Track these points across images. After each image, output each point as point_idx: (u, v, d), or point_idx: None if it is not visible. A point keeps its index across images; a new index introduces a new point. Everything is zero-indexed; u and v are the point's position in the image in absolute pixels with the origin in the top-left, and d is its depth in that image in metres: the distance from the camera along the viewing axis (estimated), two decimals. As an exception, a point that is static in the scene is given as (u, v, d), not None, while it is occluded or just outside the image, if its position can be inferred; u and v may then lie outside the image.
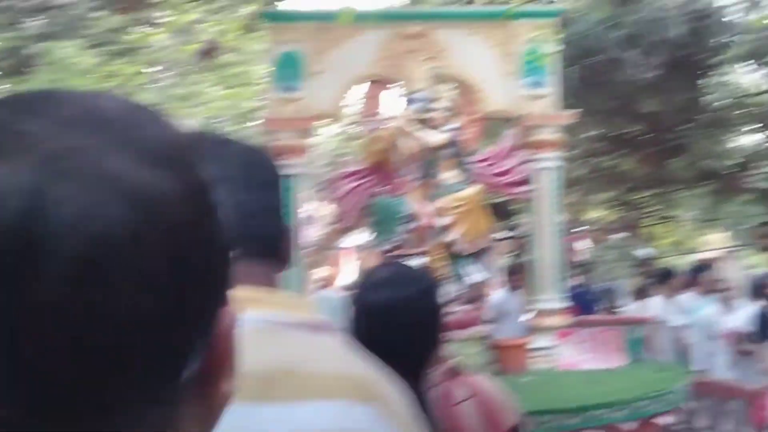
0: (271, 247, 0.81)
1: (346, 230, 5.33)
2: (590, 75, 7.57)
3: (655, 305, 5.82)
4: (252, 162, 0.84)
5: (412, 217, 4.83)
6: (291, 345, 0.73)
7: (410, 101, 5.07)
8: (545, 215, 5.35)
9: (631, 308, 6.15)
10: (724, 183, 7.53)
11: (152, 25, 6.39)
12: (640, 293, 6.20)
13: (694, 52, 6.63)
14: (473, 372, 1.58)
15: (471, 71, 5.58)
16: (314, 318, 0.79)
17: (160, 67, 7.56)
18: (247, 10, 7.31)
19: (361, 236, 5.77)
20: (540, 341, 5.13)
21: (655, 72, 6.58)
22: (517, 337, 5.22)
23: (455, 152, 5.04)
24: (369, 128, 5.32)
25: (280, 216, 0.85)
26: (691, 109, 7.37)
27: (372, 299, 1.30)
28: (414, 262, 4.25)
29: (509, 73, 5.60)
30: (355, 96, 5.95)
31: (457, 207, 4.87)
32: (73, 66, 6.13)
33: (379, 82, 5.61)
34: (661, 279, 6.05)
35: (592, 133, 8.75)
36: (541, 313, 5.29)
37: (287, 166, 5.33)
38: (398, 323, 1.25)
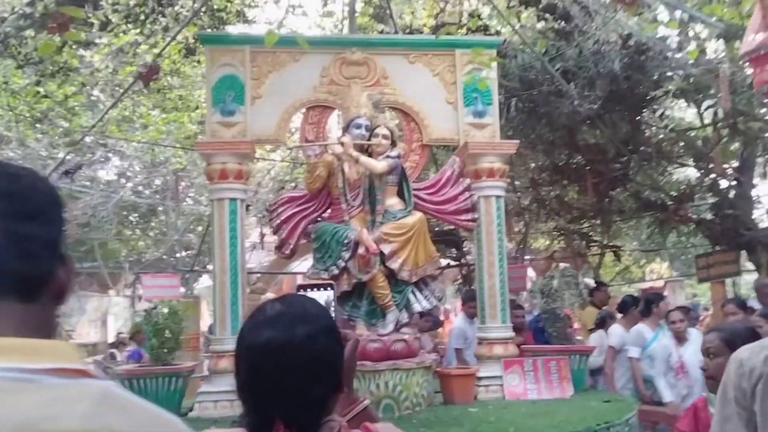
0: (24, 284, 0.74)
1: (287, 257, 5.18)
2: (532, 107, 7.76)
3: (615, 334, 5.87)
4: (8, 191, 0.75)
5: (355, 244, 4.74)
6: (22, 403, 0.66)
7: (352, 127, 5.03)
8: (490, 243, 5.36)
9: (591, 337, 6.18)
10: (666, 214, 7.76)
11: (87, 45, 6.19)
12: (600, 323, 6.26)
13: (633, 86, 6.86)
14: (381, 419, 1.47)
15: (414, 99, 5.63)
16: (68, 364, 0.70)
17: (95, 90, 7.32)
18: (187, 32, 7.19)
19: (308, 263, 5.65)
20: (487, 370, 5.07)
21: (595, 104, 6.76)
22: (467, 366, 5.16)
23: (398, 179, 5.00)
24: (310, 154, 5.24)
25: (48, 250, 0.77)
26: (632, 141, 7.61)
27: (252, 340, 1.21)
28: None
29: (451, 102, 5.68)
30: (297, 121, 5.90)
31: (400, 234, 4.81)
32: (3, 85, 5.86)
33: (320, 108, 5.58)
34: (623, 308, 6.12)
35: (536, 163, 8.94)
36: (488, 341, 5.26)
37: (229, 189, 5.22)
38: (279, 366, 1.16)
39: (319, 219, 5.21)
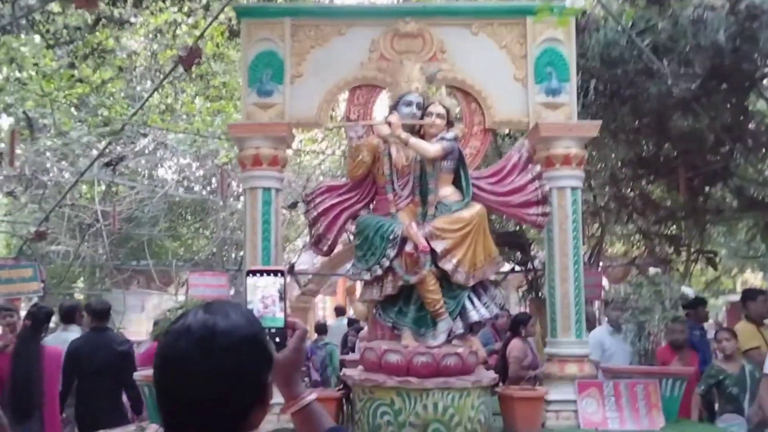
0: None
1: (325, 254, 4.68)
2: (615, 89, 7.00)
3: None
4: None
5: (402, 240, 4.18)
6: None
7: (401, 104, 4.48)
8: (563, 243, 4.71)
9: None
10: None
11: (121, 25, 5.94)
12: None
13: (740, 61, 5.98)
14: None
15: (476, 76, 5.06)
16: None
17: (134, 75, 7.11)
18: (230, 12, 6.83)
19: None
20: (558, 393, 4.41)
21: (692, 84, 5.95)
22: (532, 388, 4.52)
23: (454, 165, 4.41)
24: (352, 136, 4.73)
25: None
26: (736, 127, 6.69)
27: (167, 350, 1.17)
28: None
29: (520, 79, 5.07)
30: (341, 102, 5.43)
31: (456, 229, 4.23)
32: (34, 67, 5.66)
33: (368, 88, 5.08)
34: None
35: (616, 156, 8.10)
36: (560, 359, 4.60)
37: (262, 177, 4.79)
38: (196, 378, 1.13)
39: (361, 211, 4.69)
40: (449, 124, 4.49)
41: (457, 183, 4.46)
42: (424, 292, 4.26)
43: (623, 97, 6.97)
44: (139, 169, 10.47)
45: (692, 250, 8.61)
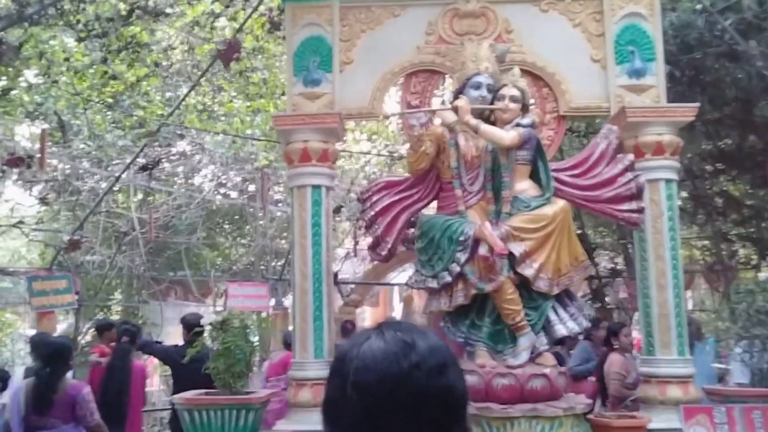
0: None
1: (384, 259, 4.19)
2: (694, 75, 6.37)
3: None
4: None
5: (474, 242, 3.67)
6: None
7: (469, 87, 3.98)
8: (659, 244, 4.15)
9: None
10: None
11: (156, 16, 5.59)
12: None
13: None
14: None
15: (547, 58, 4.57)
16: None
17: (171, 72, 6.77)
18: (271, 2, 6.44)
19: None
20: (662, 420, 3.82)
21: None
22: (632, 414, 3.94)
23: (532, 156, 3.89)
24: (414, 124, 4.24)
25: None
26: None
27: (362, 376, 1.03)
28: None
29: (598, 60, 4.54)
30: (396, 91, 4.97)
31: (536, 229, 3.70)
32: (65, 62, 5.36)
33: (426, 73, 4.61)
34: None
35: (694, 150, 7.42)
36: (660, 380, 4.01)
37: (312, 174, 4.36)
38: (404, 408, 1.01)
39: (424, 210, 4.20)
40: (524, 108, 3.97)
41: (534, 176, 3.93)
42: (501, 302, 3.73)
43: (703, 84, 6.34)
44: (176, 174, 10.16)
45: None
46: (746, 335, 4.07)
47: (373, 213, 4.10)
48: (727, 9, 5.77)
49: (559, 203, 3.77)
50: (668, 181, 4.21)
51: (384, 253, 4.07)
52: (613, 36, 4.50)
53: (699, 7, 5.94)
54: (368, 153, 10.39)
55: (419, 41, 4.65)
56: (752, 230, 7.87)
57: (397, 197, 4.11)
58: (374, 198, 4.14)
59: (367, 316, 17.09)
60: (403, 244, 4.23)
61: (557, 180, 3.93)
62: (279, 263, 12.61)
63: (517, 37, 4.57)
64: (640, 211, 3.92)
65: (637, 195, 3.91)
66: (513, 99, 3.91)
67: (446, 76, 4.78)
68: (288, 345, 8.22)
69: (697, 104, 4.28)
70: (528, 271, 3.69)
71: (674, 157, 4.23)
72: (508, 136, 3.79)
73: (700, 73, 6.30)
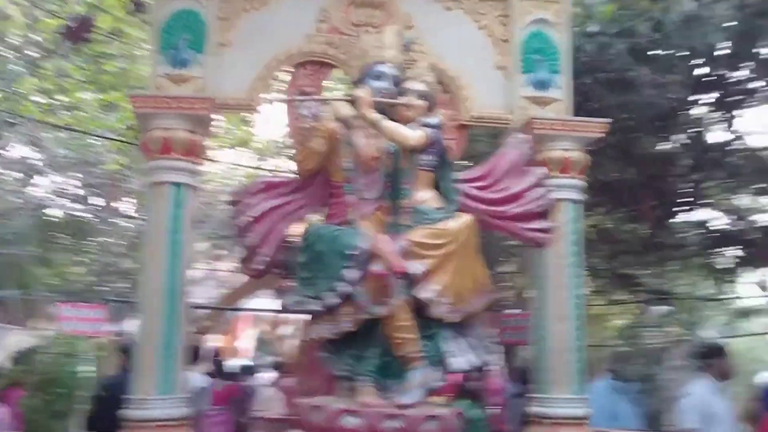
0: None
1: (258, 274, 3.54)
2: (581, 101, 6.36)
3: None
4: None
5: (367, 258, 3.15)
6: None
7: (369, 78, 3.50)
8: (559, 271, 3.85)
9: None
10: (753, 250, 6.34)
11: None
12: None
13: (735, 67, 5.45)
14: None
15: (449, 59, 4.23)
16: None
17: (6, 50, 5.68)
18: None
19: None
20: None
21: (675, 96, 5.37)
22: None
23: (436, 161, 3.45)
24: (306, 114, 3.68)
25: None
26: (719, 150, 6.17)
27: None
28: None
29: (503, 67, 4.25)
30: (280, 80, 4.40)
31: (438, 246, 3.25)
32: None
33: (316, 65, 4.10)
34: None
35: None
36: (554, 422, 3.68)
37: (173, 169, 3.66)
38: None
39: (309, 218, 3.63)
40: (430, 108, 3.54)
41: (438, 186, 3.50)
42: (393, 329, 3.24)
43: (589, 111, 6.33)
44: (3, 172, 8.77)
45: (647, 290, 8.04)
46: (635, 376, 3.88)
47: (247, 219, 3.46)
48: (620, 34, 5.80)
49: (464, 218, 3.36)
50: (574, 201, 3.97)
51: (260, 266, 3.43)
52: (520, 43, 4.25)
53: (590, 30, 5.93)
54: (236, 165, 9.61)
55: (310, 28, 4.15)
56: (620, 266, 8.04)
57: (278, 201, 3.51)
58: (250, 201, 3.50)
59: (215, 344, 16.01)
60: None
61: (461, 191, 3.53)
62: (123, 285, 11.38)
63: (418, 34, 4.20)
64: (549, 230, 3.61)
65: (547, 213, 3.60)
66: (421, 95, 3.48)
67: (338, 69, 4.28)
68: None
69: (609, 120, 4.09)
70: (427, 294, 3.22)
71: (581, 176, 4.01)
72: (413, 135, 3.34)
73: (588, 99, 6.28)
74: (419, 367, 3.24)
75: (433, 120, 3.46)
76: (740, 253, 6.81)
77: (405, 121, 3.43)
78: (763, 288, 8.19)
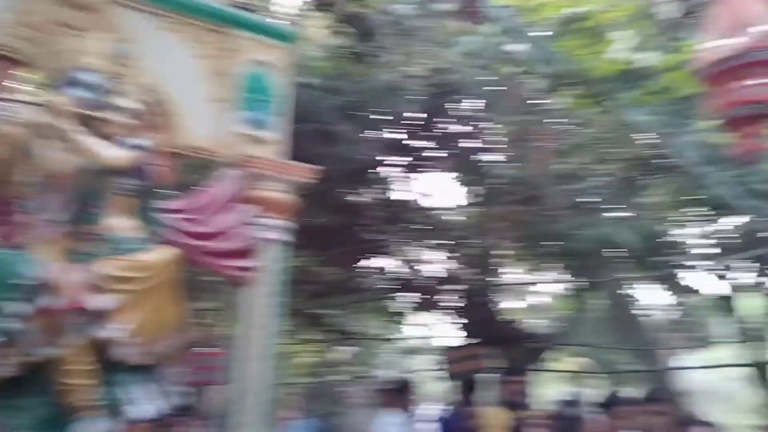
0: None
1: None
2: (291, 145, 6.52)
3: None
4: None
5: (41, 289, 2.69)
6: None
7: (66, 85, 3.07)
8: (262, 313, 3.78)
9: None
10: (423, 297, 7.09)
11: None
12: None
13: (425, 138, 6.12)
14: None
15: (165, 83, 3.90)
16: None
17: None
18: None
19: None
20: None
21: (373, 154, 5.83)
22: None
23: (142, 187, 3.15)
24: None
25: None
26: (400, 205, 6.83)
27: None
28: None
29: (221, 100, 4.10)
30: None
31: (131, 280, 2.93)
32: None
33: (3, 61, 3.47)
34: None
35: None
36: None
37: None
38: None
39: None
40: (139, 129, 3.23)
41: (140, 212, 3.18)
42: (63, 374, 2.79)
43: (296, 157, 6.50)
44: None
45: (334, 329, 8.46)
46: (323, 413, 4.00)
47: None
48: (330, 90, 6.10)
49: (169, 251, 3.09)
50: (282, 242, 3.96)
51: None
52: (239, 79, 4.16)
53: (305, 81, 6.14)
54: None
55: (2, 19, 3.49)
56: (314, 307, 8.34)
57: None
58: None
59: None
60: None
61: (167, 222, 3.25)
62: None
63: (131, 49, 3.81)
64: (254, 269, 3.52)
65: (253, 252, 3.51)
66: (127, 112, 3.14)
67: (24, 67, 3.67)
68: None
69: (322, 167, 4.20)
70: (110, 333, 2.86)
71: (290, 218, 4.02)
72: (114, 154, 2.98)
73: (297, 146, 6.44)
74: (89, 418, 2.83)
75: (138, 141, 3.15)
76: (414, 298, 7.58)
77: (108, 139, 3.06)
78: (426, 329, 9.26)
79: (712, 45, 3.16)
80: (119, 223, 3.08)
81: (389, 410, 4.98)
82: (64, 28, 3.62)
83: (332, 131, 6.18)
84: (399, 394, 5.07)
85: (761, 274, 8.61)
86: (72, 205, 2.99)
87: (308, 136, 6.41)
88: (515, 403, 4.97)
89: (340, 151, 6.20)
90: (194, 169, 4.85)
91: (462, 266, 7.70)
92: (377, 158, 6.30)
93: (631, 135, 6.96)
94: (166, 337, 3.07)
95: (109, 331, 2.85)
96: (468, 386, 5.63)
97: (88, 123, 3.04)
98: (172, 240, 3.24)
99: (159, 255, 3.06)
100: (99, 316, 2.83)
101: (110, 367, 2.91)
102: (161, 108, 3.83)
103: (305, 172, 4.14)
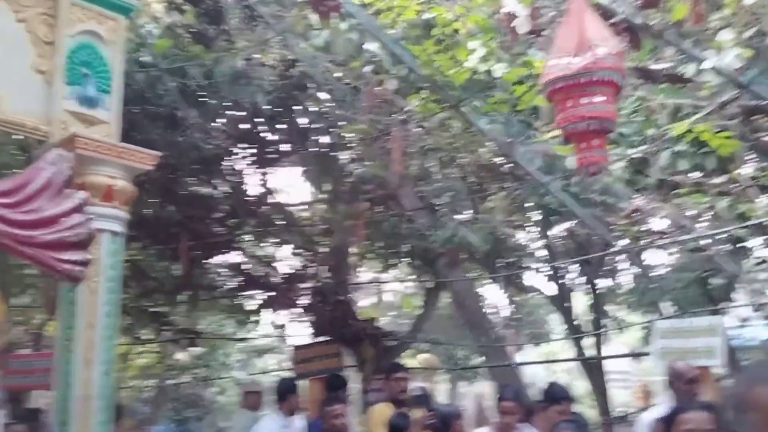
0: None
1: None
2: (125, 130, 6.14)
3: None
4: None
5: None
6: None
7: None
8: (91, 310, 3.55)
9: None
10: (276, 295, 6.97)
11: None
12: None
13: (274, 130, 6.02)
14: None
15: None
16: None
17: None
18: None
19: None
20: None
21: (220, 143, 5.64)
22: None
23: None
24: None
25: None
26: (253, 200, 6.67)
27: None
28: None
29: (43, 71, 3.78)
30: None
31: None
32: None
33: None
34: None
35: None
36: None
37: None
38: None
39: None
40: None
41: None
42: None
43: (134, 142, 6.10)
44: None
45: (176, 329, 8.07)
46: (177, 418, 3.81)
47: None
48: (172, 72, 5.80)
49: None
50: (115, 233, 3.71)
51: None
52: (66, 50, 3.82)
53: (142, 59, 5.79)
54: None
55: None
56: (150, 304, 7.92)
57: None
58: None
59: None
60: None
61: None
62: None
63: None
64: (85, 263, 3.26)
65: (85, 243, 3.26)
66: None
67: None
68: None
69: (159, 153, 3.99)
70: None
71: (125, 207, 3.78)
72: None
73: (133, 129, 6.08)
74: None
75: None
76: (264, 295, 7.46)
77: None
78: (277, 327, 9.14)
79: (555, 62, 3.41)
80: None
81: (271, 412, 4.90)
82: None
83: (175, 116, 5.90)
84: (284, 396, 5.00)
85: (586, 275, 9.48)
86: None
87: (146, 119, 6.07)
88: (399, 400, 5.02)
89: (185, 138, 5.95)
90: (13, 147, 4.47)
91: (313, 263, 7.69)
92: (226, 148, 6.10)
93: (480, 141, 7.35)
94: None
95: None
96: (334, 384, 5.63)
97: None
98: (-11, 227, 2.93)
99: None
100: None
101: None
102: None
103: (144, 158, 3.91)
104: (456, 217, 7.72)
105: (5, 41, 3.63)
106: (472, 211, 8.19)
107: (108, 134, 3.87)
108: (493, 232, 7.73)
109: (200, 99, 5.90)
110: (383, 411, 4.97)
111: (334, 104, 6.41)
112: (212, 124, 5.84)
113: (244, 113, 5.93)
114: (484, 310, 10.07)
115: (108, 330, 3.59)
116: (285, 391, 5.17)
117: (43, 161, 3.29)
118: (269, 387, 5.17)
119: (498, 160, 7.59)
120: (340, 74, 6.27)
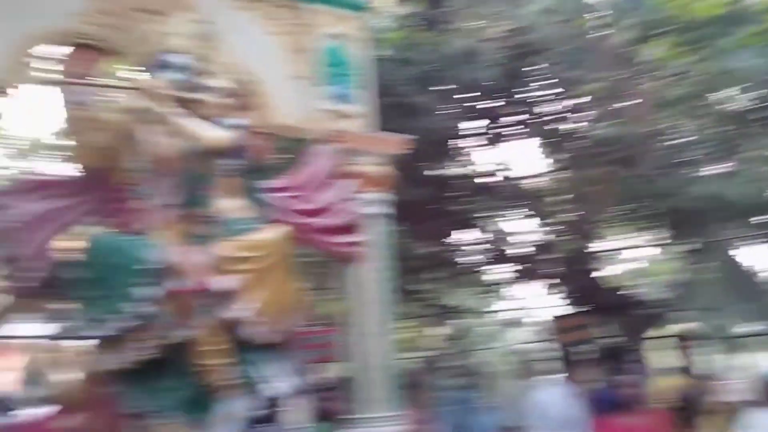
0: None
1: (29, 294, 2.99)
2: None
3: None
4: None
5: (167, 273, 2.83)
6: None
7: (158, 68, 3.19)
8: (368, 288, 3.86)
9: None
10: (525, 268, 7.02)
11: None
12: None
13: (505, 102, 6.04)
14: None
15: (245, 62, 4.01)
16: None
17: None
18: None
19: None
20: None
21: (456, 123, 5.79)
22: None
23: (246, 167, 3.26)
24: (82, 104, 3.22)
25: None
26: (486, 176, 6.76)
27: None
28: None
29: (302, 77, 4.18)
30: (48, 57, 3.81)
31: (252, 260, 3.04)
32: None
33: (83, 49, 3.63)
34: None
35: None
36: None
37: None
38: None
39: (92, 223, 3.17)
40: (235, 108, 3.33)
41: (246, 192, 3.29)
42: (199, 355, 2.92)
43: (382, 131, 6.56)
44: None
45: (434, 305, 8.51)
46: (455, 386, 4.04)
47: (9, 226, 2.90)
48: (406, 61, 6.11)
49: (281, 229, 3.18)
50: (383, 216, 4.03)
51: (33, 282, 2.87)
52: (317, 54, 4.23)
53: (379, 53, 6.13)
54: None
55: (76, 5, 3.63)
56: (405, 281, 8.40)
57: (53, 205, 2.99)
58: (12, 202, 2.93)
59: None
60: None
61: (273, 201, 3.36)
62: None
63: (213, 29, 3.93)
64: (359, 244, 3.58)
65: (357, 227, 3.57)
66: (220, 92, 3.24)
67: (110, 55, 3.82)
68: None
69: (412, 136, 4.24)
70: (238, 313, 2.97)
71: (388, 191, 4.08)
72: (210, 134, 3.07)
73: (380, 122, 6.49)
74: (230, 397, 2.96)
75: (240, 121, 3.25)
76: (514, 269, 7.54)
77: (206, 120, 3.17)
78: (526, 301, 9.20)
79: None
80: (228, 204, 3.19)
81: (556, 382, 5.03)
82: (142, 12, 3.77)
83: (409, 103, 6.18)
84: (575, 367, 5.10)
85: None
86: (182, 189, 3.12)
87: (387, 109, 6.45)
88: (689, 370, 4.82)
89: (419, 123, 6.20)
90: (286, 147, 5.01)
91: (558, 234, 7.58)
92: (458, 129, 6.25)
93: (734, 83, 6.67)
94: (289, 315, 3.17)
95: (236, 311, 2.96)
96: (612, 356, 5.56)
97: (185, 105, 3.15)
98: (280, 218, 3.33)
99: (272, 233, 3.15)
100: (224, 296, 2.94)
101: (240, 347, 3.04)
102: (248, 87, 3.96)
103: (397, 144, 4.18)
104: (712, 170, 7.09)
105: (264, 54, 4.11)
106: (731, 163, 7.44)
107: (362, 126, 4.21)
108: (758, 184, 6.96)
109: (431, 84, 6.10)
110: (670, 382, 4.79)
111: (565, 66, 6.23)
112: (443, 106, 6.00)
113: (473, 92, 6.00)
114: (752, 273, 9.13)
115: (387, 305, 3.91)
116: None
117: (315, 157, 3.66)
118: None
119: (759, 101, 6.82)
120: (568, 34, 6.08)
